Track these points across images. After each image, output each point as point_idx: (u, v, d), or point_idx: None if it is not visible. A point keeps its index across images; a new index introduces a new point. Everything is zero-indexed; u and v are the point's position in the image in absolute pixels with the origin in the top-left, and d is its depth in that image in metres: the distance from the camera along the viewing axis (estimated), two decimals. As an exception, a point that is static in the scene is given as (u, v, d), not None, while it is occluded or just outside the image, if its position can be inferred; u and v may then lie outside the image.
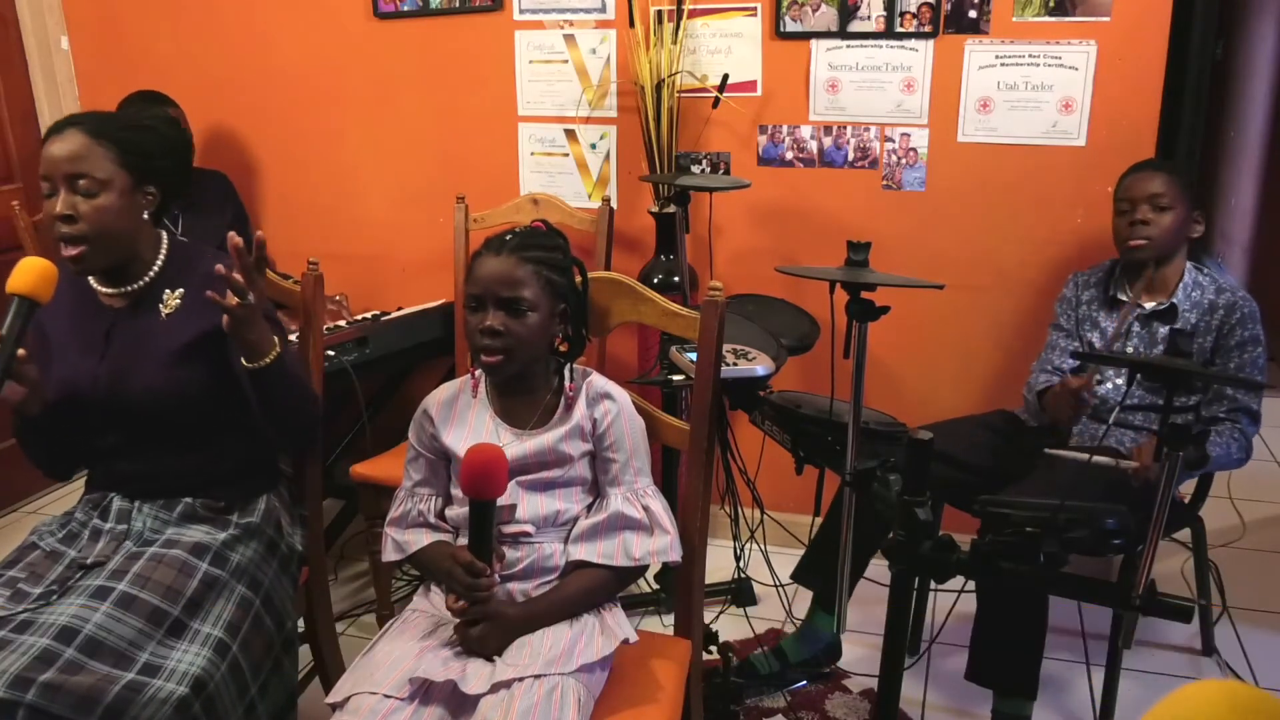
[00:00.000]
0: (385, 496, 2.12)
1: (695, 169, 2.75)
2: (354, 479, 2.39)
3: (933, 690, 2.27)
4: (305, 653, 1.85)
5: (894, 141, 2.59)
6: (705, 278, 2.70)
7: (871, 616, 2.44)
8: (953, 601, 1.81)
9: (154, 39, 3.11)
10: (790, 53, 2.61)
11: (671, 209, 2.57)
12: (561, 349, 1.63)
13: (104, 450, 1.67)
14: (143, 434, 1.64)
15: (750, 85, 2.65)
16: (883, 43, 2.53)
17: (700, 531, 1.69)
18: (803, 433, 1.72)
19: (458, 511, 1.60)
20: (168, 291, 1.66)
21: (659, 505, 1.59)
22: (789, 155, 2.68)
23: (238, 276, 1.46)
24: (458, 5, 2.82)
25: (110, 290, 1.67)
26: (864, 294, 1.48)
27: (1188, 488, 2.28)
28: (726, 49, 2.64)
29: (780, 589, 2.17)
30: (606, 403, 1.59)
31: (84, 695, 1.33)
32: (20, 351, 1.46)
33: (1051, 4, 2.40)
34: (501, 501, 1.45)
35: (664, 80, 2.55)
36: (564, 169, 2.88)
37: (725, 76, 2.60)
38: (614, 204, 2.79)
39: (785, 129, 2.67)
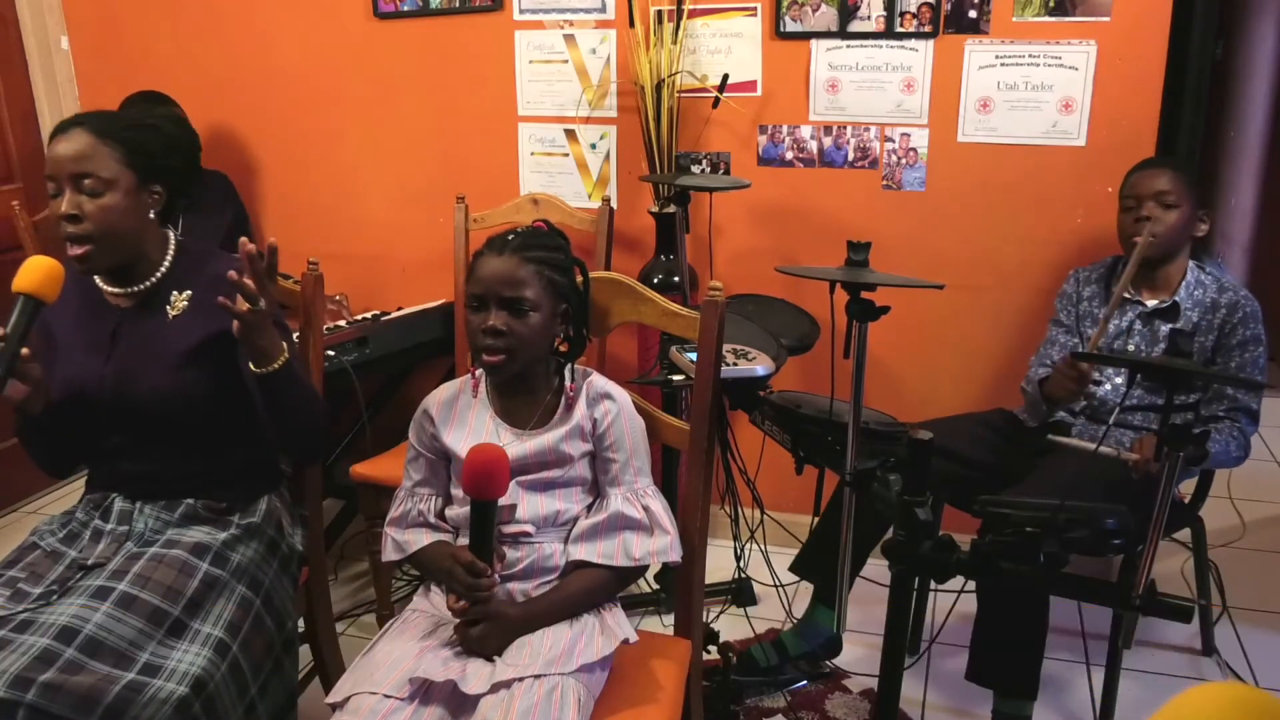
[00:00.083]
0: (385, 496, 2.12)
1: (695, 169, 2.75)
2: (354, 479, 2.39)
3: (933, 690, 2.27)
4: (305, 653, 1.85)
5: (894, 141, 2.59)
6: (705, 278, 2.70)
7: (871, 616, 2.44)
8: (953, 601, 1.81)
9: (154, 39, 3.11)
10: (790, 53, 2.61)
11: (671, 209, 2.57)
12: (562, 349, 1.63)
13: (107, 450, 1.67)
14: (147, 434, 1.64)
15: (750, 85, 2.65)
16: (883, 43, 2.53)
17: (700, 531, 1.69)
18: (803, 433, 1.72)
19: (458, 511, 1.60)
20: (175, 293, 1.66)
21: (659, 505, 1.59)
22: (789, 155, 2.68)
23: (249, 282, 1.46)
24: (458, 5, 2.82)
25: (117, 290, 1.67)
26: (864, 294, 1.48)
27: (1187, 488, 2.28)
28: (726, 49, 2.64)
29: (780, 589, 2.17)
30: (607, 403, 1.59)
31: (84, 695, 1.33)
32: (24, 351, 1.46)
33: (1051, 4, 2.40)
34: (502, 501, 1.44)
35: (664, 80, 2.55)
36: (564, 169, 2.88)
37: (725, 76, 2.60)
38: (614, 204, 2.79)
39: (785, 129, 2.67)
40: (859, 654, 2.37)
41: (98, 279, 1.67)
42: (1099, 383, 2.19)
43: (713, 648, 2.12)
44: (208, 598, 1.54)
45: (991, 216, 2.57)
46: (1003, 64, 2.47)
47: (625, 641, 1.50)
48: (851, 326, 1.50)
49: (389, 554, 1.63)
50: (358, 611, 2.61)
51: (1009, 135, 2.51)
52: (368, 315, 2.77)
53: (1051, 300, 2.39)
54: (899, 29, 2.51)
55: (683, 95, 2.63)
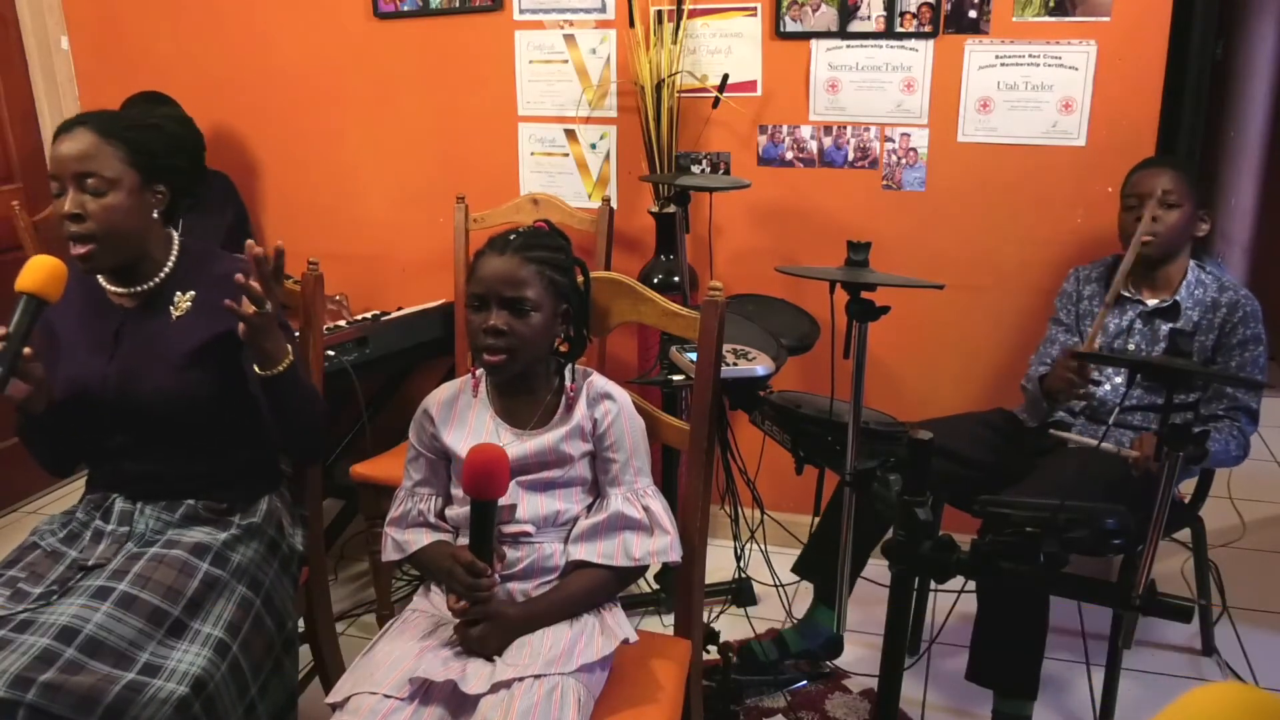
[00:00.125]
0: (385, 496, 2.12)
1: (695, 169, 2.75)
2: (354, 479, 2.38)
3: (933, 690, 2.27)
4: (305, 653, 1.85)
5: (894, 141, 2.59)
6: (705, 278, 2.70)
7: (871, 616, 2.44)
8: (953, 601, 1.81)
9: (154, 39, 3.11)
10: (790, 53, 2.61)
11: (671, 209, 2.57)
12: (562, 349, 1.63)
13: (109, 450, 1.67)
14: (149, 435, 1.64)
15: (750, 85, 2.65)
16: (883, 43, 2.53)
17: (700, 531, 1.69)
18: (803, 433, 1.72)
19: (458, 511, 1.60)
20: (178, 293, 1.66)
21: (659, 505, 1.59)
22: (789, 155, 2.68)
23: (256, 285, 1.46)
24: (458, 5, 2.82)
25: (120, 290, 1.66)
26: (864, 294, 1.48)
27: (1187, 488, 2.28)
28: (726, 49, 2.64)
29: (780, 589, 2.17)
30: (607, 403, 1.59)
31: (84, 695, 1.33)
32: (27, 350, 1.46)
33: (1051, 4, 2.40)
34: (502, 501, 1.45)
35: (664, 80, 2.55)
36: (564, 169, 2.88)
37: (725, 76, 2.60)
38: (614, 204, 2.79)
39: (785, 129, 2.67)
40: (859, 654, 2.37)
41: (101, 278, 1.67)
42: (1098, 382, 2.19)
43: (713, 648, 2.12)
44: (208, 598, 1.54)
45: (991, 216, 2.57)
46: (1003, 64, 2.47)
47: (625, 641, 1.50)
48: (851, 326, 1.50)
49: (389, 554, 1.63)
50: (358, 611, 2.61)
51: (1009, 135, 2.51)
52: (368, 315, 2.77)
53: (1051, 300, 2.39)
54: (899, 29, 2.51)
55: (683, 95, 2.63)
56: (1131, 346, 2.21)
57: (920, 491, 1.30)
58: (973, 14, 2.45)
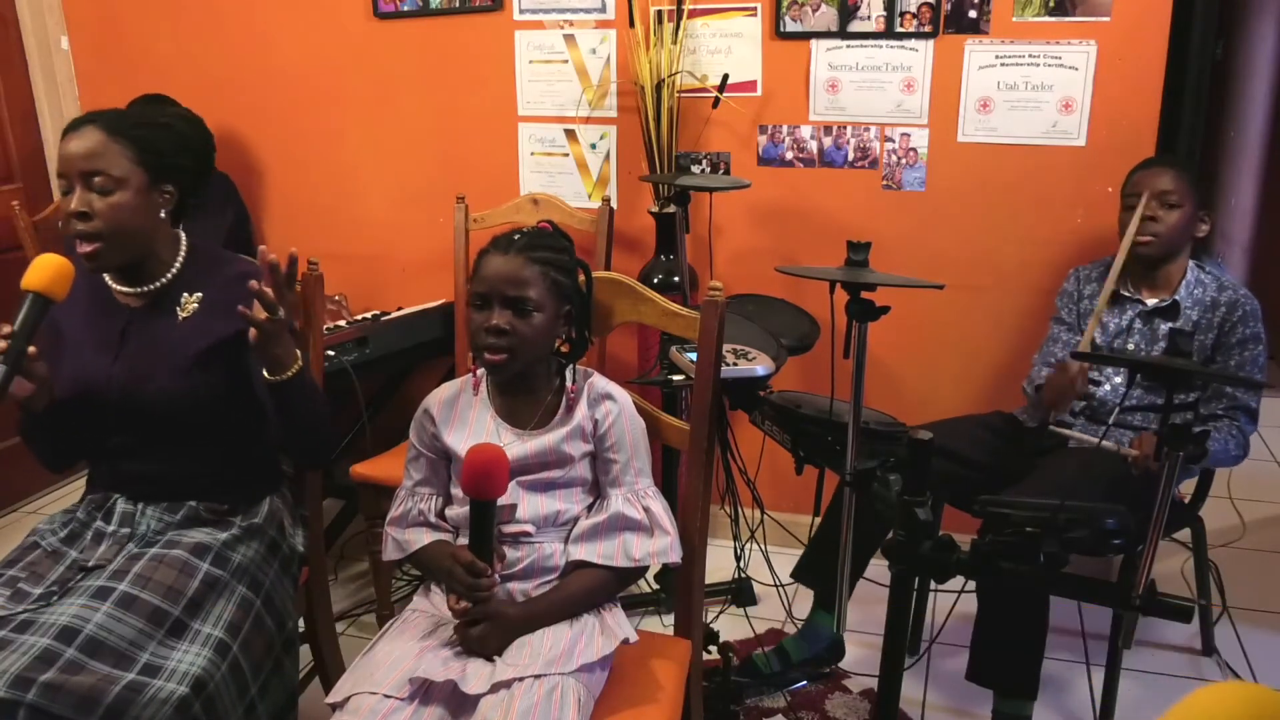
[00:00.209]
0: (385, 496, 2.12)
1: (695, 169, 2.75)
2: (354, 479, 2.39)
3: (933, 690, 2.27)
4: (305, 653, 1.85)
5: (894, 141, 2.59)
6: (705, 278, 2.70)
7: (871, 616, 2.44)
8: (953, 601, 1.81)
9: (154, 39, 3.11)
10: (790, 53, 2.61)
11: (671, 209, 2.57)
12: (563, 350, 1.63)
13: (112, 449, 1.66)
14: (153, 435, 1.64)
15: (750, 85, 2.65)
16: (883, 43, 2.53)
17: (700, 531, 1.69)
18: (803, 433, 1.72)
19: (458, 511, 1.60)
20: (185, 294, 1.66)
21: (659, 506, 1.59)
22: (789, 155, 2.68)
23: (269, 291, 1.46)
24: (458, 5, 2.82)
25: (127, 289, 1.66)
26: (864, 294, 1.48)
27: (1187, 488, 2.28)
28: (726, 49, 2.64)
29: (780, 589, 2.17)
30: (608, 403, 1.59)
31: (85, 695, 1.33)
32: (31, 349, 1.46)
33: (1051, 4, 2.40)
34: (502, 501, 1.45)
35: (664, 80, 2.55)
36: (564, 169, 2.88)
37: (725, 76, 2.60)
38: (614, 204, 2.80)
39: (785, 129, 2.67)
40: (859, 654, 2.37)
41: (107, 277, 1.67)
42: (1098, 383, 2.19)
43: (713, 648, 2.12)
44: (208, 598, 1.54)
45: (991, 216, 2.57)
46: (1003, 64, 2.47)
47: (625, 641, 1.50)
48: (851, 326, 1.50)
49: (389, 553, 1.63)
50: (358, 611, 2.61)
51: (1009, 135, 2.51)
52: (368, 315, 2.77)
53: (1052, 300, 2.39)
54: (899, 29, 2.51)
55: (683, 95, 2.63)
56: (1131, 346, 2.21)
57: (920, 491, 1.30)
58: (973, 14, 2.45)
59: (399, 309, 2.83)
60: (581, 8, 2.72)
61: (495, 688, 1.36)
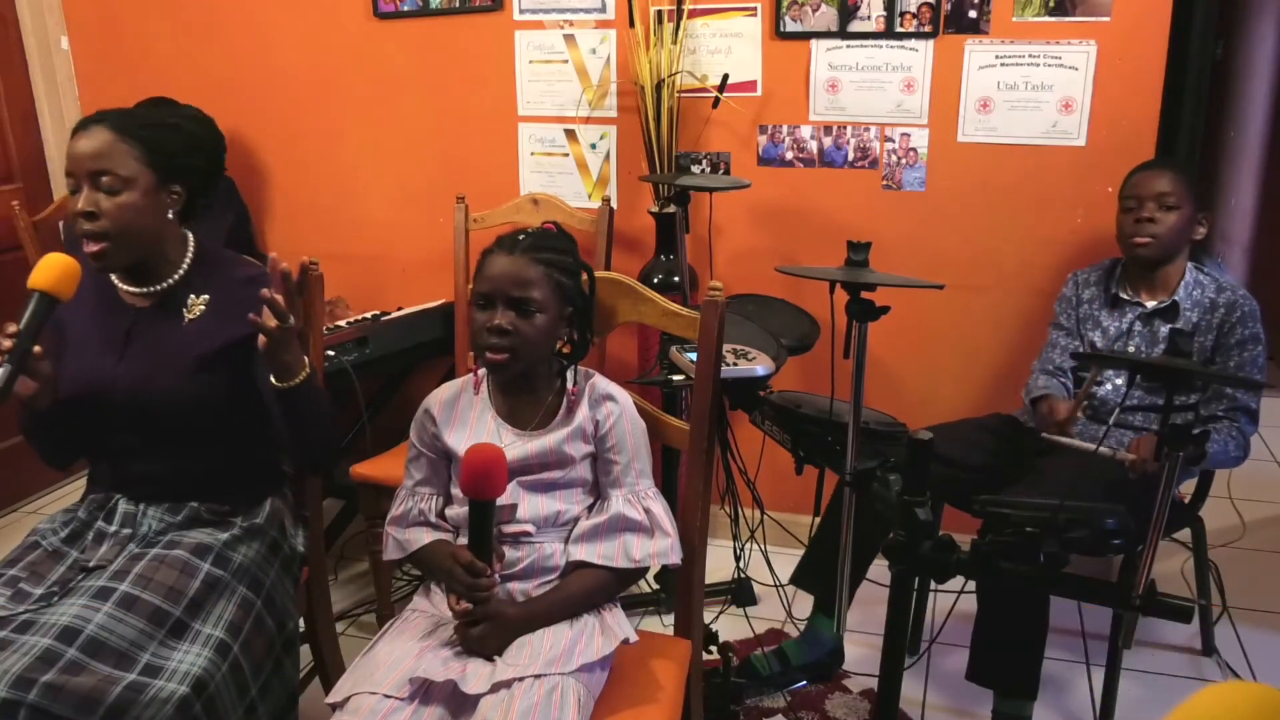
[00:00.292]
0: (385, 496, 2.12)
1: (695, 169, 2.75)
2: (354, 479, 2.39)
3: (933, 690, 2.27)
4: (305, 653, 1.85)
5: (894, 141, 2.60)
6: (705, 278, 2.70)
7: (871, 616, 2.44)
8: (953, 601, 1.81)
9: (154, 39, 3.11)
10: (790, 53, 2.61)
11: (671, 209, 2.57)
12: (565, 351, 1.63)
13: (114, 449, 1.66)
14: (156, 435, 1.64)
15: (750, 85, 2.66)
16: (883, 43, 2.53)
17: (700, 531, 1.69)
18: (803, 433, 1.72)
19: (458, 511, 1.60)
20: (192, 296, 1.66)
21: (660, 507, 1.59)
22: (789, 155, 2.68)
23: (280, 299, 1.46)
24: (458, 5, 2.82)
25: (133, 289, 1.66)
26: (864, 294, 1.48)
27: (1188, 488, 2.28)
28: (726, 49, 2.64)
29: (780, 589, 2.17)
30: (609, 404, 1.59)
31: (85, 696, 1.33)
32: (36, 349, 1.46)
33: (1051, 4, 2.40)
34: (502, 501, 1.45)
35: (664, 80, 2.55)
36: (564, 169, 2.88)
37: (725, 76, 2.60)
38: (614, 204, 2.80)
39: (785, 129, 2.67)
40: (859, 654, 2.37)
41: (114, 277, 1.67)
42: (1100, 383, 2.19)
43: (713, 648, 2.12)
44: (209, 598, 1.54)
45: (991, 216, 2.57)
46: (1003, 64, 2.47)
47: (625, 641, 1.50)
48: (851, 326, 1.50)
49: (390, 553, 1.63)
50: (358, 611, 2.61)
51: (1009, 135, 2.51)
52: (368, 315, 2.77)
53: (1051, 300, 2.39)
54: (899, 29, 2.51)
55: (683, 95, 2.63)
56: (1131, 348, 2.21)
57: (920, 492, 1.30)
58: (973, 14, 2.45)
59: (399, 309, 2.83)
60: (581, 8, 2.72)
61: (495, 688, 1.37)
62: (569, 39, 2.76)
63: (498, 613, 1.46)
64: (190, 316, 1.65)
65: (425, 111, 2.93)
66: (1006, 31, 2.45)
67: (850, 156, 2.64)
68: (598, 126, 2.81)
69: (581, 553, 1.55)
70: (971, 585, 1.95)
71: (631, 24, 2.65)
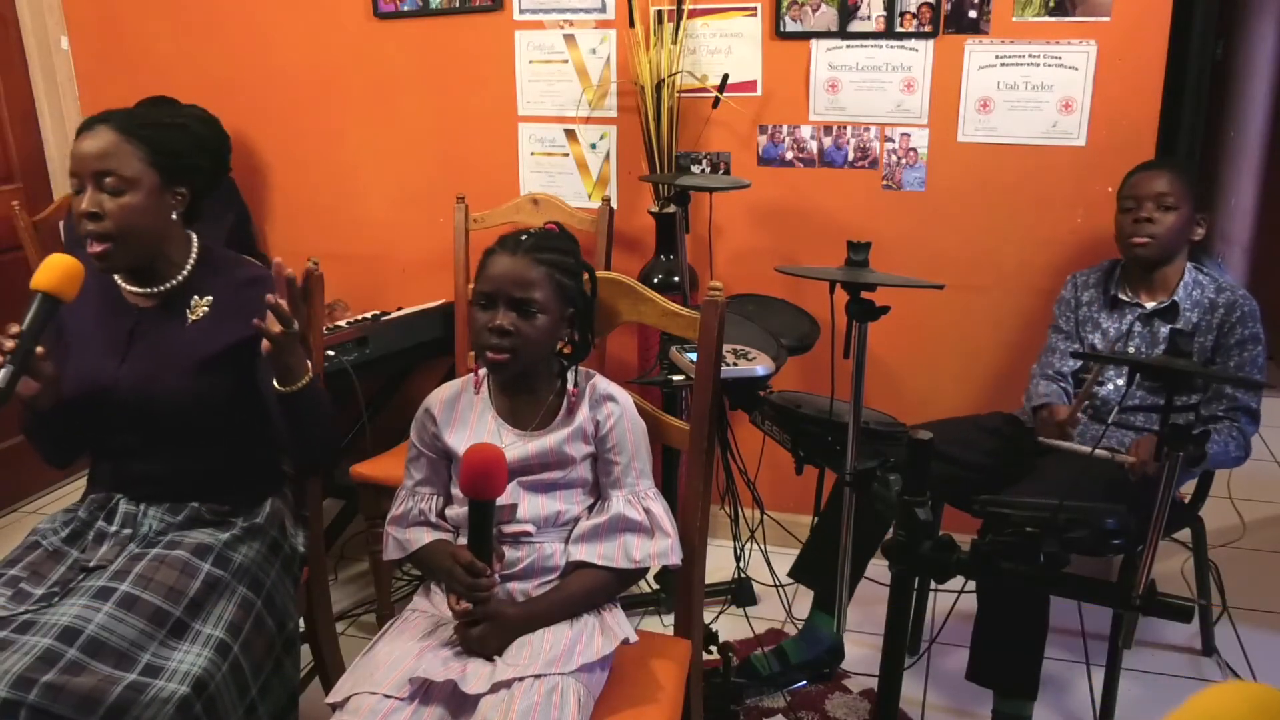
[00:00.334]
0: (385, 496, 2.12)
1: (695, 169, 2.75)
2: (354, 479, 2.39)
3: (933, 690, 2.27)
4: (305, 653, 1.85)
5: (894, 141, 2.60)
6: (705, 278, 2.70)
7: (871, 616, 2.44)
8: (953, 601, 1.81)
9: (154, 39, 3.11)
10: (790, 53, 2.61)
11: (671, 209, 2.57)
12: (565, 351, 1.63)
13: (115, 449, 1.66)
14: (158, 436, 1.64)
15: (750, 85, 2.66)
16: (883, 43, 2.53)
17: (700, 531, 1.69)
18: (803, 433, 1.72)
19: (458, 511, 1.60)
20: (196, 297, 1.66)
21: (660, 508, 1.59)
22: (789, 155, 2.68)
23: (284, 304, 1.45)
24: (458, 5, 2.82)
25: (137, 289, 1.66)
26: (864, 294, 1.48)
27: (1188, 488, 2.28)
28: (726, 49, 2.64)
29: (780, 589, 2.17)
30: (609, 405, 1.59)
31: (86, 696, 1.33)
32: (39, 350, 1.46)
33: (1051, 4, 2.40)
34: (502, 501, 1.45)
35: (664, 80, 2.55)
36: (564, 169, 2.88)
37: (725, 76, 2.60)
38: (614, 204, 2.80)
39: (785, 129, 2.67)
40: (859, 654, 2.37)
41: (117, 277, 1.67)
42: (1101, 383, 2.19)
43: (713, 648, 2.12)
44: (209, 598, 1.54)
45: (991, 216, 2.57)
46: (1003, 64, 2.47)
47: (625, 641, 1.50)
48: (851, 326, 1.50)
49: (390, 552, 1.63)
50: (358, 611, 2.61)
51: (1009, 135, 2.51)
52: (368, 315, 2.77)
53: (1051, 301, 2.39)
54: (899, 29, 2.51)
55: (683, 95, 2.63)
56: (1132, 349, 2.21)
57: (920, 491, 1.30)
58: (973, 14, 2.45)
59: (399, 309, 2.83)
60: (581, 8, 2.73)
61: (495, 688, 1.37)
62: (569, 39, 2.76)
63: (498, 613, 1.46)
64: (193, 318, 1.65)
65: (425, 111, 2.93)
66: (1006, 31, 2.45)
67: (850, 156, 2.64)
68: (598, 126, 2.81)
69: (581, 553, 1.55)
70: (971, 585, 1.96)
71: (631, 24, 2.65)
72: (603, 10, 2.71)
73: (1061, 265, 2.50)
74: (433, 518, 1.62)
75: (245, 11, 3.01)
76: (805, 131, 2.65)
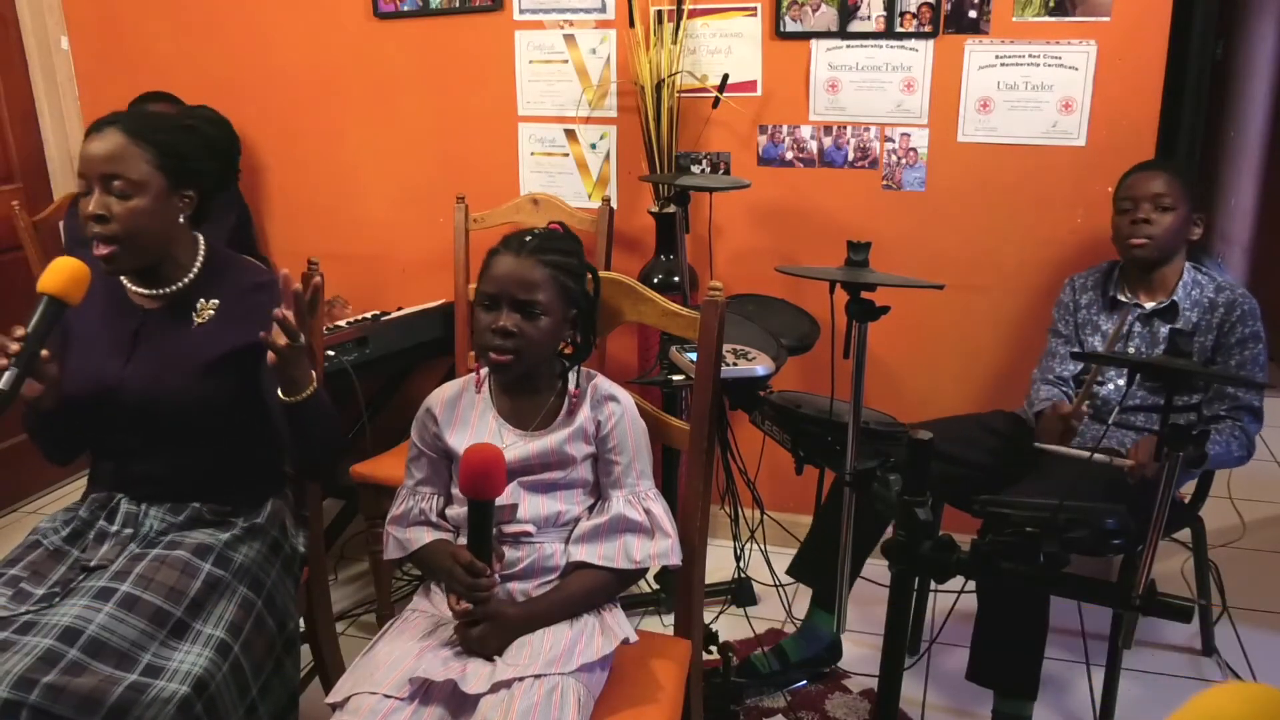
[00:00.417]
0: (385, 496, 2.13)
1: (695, 169, 2.75)
2: (354, 479, 2.39)
3: (933, 690, 2.27)
4: (305, 653, 1.85)
5: (894, 141, 2.60)
6: (705, 278, 2.70)
7: (871, 616, 2.44)
8: (953, 601, 1.81)
9: (154, 39, 3.11)
10: (790, 53, 2.61)
11: (671, 209, 2.57)
12: (567, 352, 1.63)
13: (117, 449, 1.67)
14: (160, 437, 1.64)
15: (750, 85, 2.66)
16: (883, 43, 2.53)
17: (700, 531, 1.69)
18: (803, 433, 1.72)
19: (459, 511, 1.60)
20: (202, 300, 1.66)
21: (660, 508, 1.59)
22: (789, 155, 2.68)
23: (291, 316, 1.45)
24: (458, 5, 2.82)
25: (143, 291, 1.66)
26: (864, 294, 1.48)
27: (1188, 488, 2.28)
28: (726, 49, 2.64)
29: (780, 589, 2.17)
30: (611, 405, 1.59)
31: (87, 696, 1.33)
32: (44, 352, 1.46)
33: (1051, 4, 2.40)
34: (503, 501, 1.45)
35: (664, 80, 2.55)
36: (564, 169, 2.88)
37: (725, 76, 2.60)
38: (614, 204, 2.80)
39: (785, 129, 2.67)
40: (859, 654, 2.37)
41: (124, 278, 1.67)
42: (1101, 383, 2.19)
43: (713, 648, 2.12)
44: (210, 598, 1.54)
45: (991, 216, 2.58)
46: (1003, 64, 2.47)
47: (625, 641, 1.50)
48: (851, 326, 1.50)
49: (391, 552, 1.63)
50: (358, 611, 2.61)
51: (1009, 135, 2.51)
52: (368, 315, 2.77)
53: (1051, 300, 2.39)
54: (899, 29, 2.51)
55: (683, 95, 2.63)
56: (1131, 349, 2.21)
57: (920, 491, 1.30)
58: (973, 14, 2.45)
59: (399, 309, 2.83)
60: (581, 8, 2.73)
61: (495, 688, 1.37)
62: (569, 39, 2.76)
63: (498, 613, 1.46)
64: (199, 320, 1.65)
65: (425, 111, 2.94)
66: (1006, 31, 2.45)
67: (850, 156, 2.64)
68: (598, 126, 2.81)
69: (582, 553, 1.55)
70: (971, 585, 1.96)
71: (631, 24, 2.65)
72: (603, 10, 2.71)
73: (1061, 265, 2.50)
74: (433, 517, 1.62)
75: (245, 11, 3.01)
76: (805, 131, 2.65)
